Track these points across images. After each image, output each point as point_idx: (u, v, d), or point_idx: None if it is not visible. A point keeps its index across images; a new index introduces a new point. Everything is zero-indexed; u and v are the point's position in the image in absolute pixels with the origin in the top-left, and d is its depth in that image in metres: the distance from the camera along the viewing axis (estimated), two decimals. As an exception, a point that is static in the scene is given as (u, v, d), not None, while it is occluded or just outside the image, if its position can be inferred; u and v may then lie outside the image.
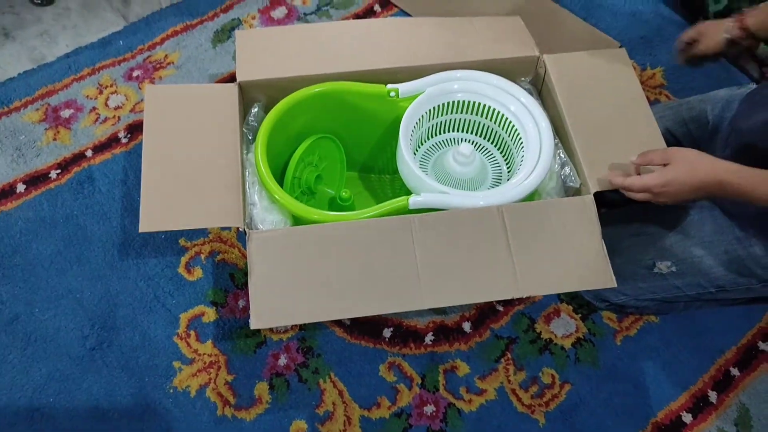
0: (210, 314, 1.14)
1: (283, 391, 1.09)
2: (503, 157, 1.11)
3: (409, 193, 0.94)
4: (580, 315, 1.18)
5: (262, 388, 1.09)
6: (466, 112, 1.09)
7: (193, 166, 0.94)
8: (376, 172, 1.26)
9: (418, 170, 0.94)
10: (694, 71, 1.48)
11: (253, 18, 1.53)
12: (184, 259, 1.20)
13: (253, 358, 1.11)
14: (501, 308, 1.18)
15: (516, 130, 1.02)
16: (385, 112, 1.06)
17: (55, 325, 1.13)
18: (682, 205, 0.99)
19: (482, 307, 1.18)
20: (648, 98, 1.41)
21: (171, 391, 1.08)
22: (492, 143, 1.13)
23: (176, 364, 1.10)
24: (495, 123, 1.07)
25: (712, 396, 1.13)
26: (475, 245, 0.90)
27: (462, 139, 1.13)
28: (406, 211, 0.91)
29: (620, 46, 1.35)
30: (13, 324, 1.12)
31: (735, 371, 1.14)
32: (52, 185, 1.26)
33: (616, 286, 0.87)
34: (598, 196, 0.91)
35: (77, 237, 1.20)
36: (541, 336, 1.16)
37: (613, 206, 1.10)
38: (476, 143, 1.13)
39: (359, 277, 0.88)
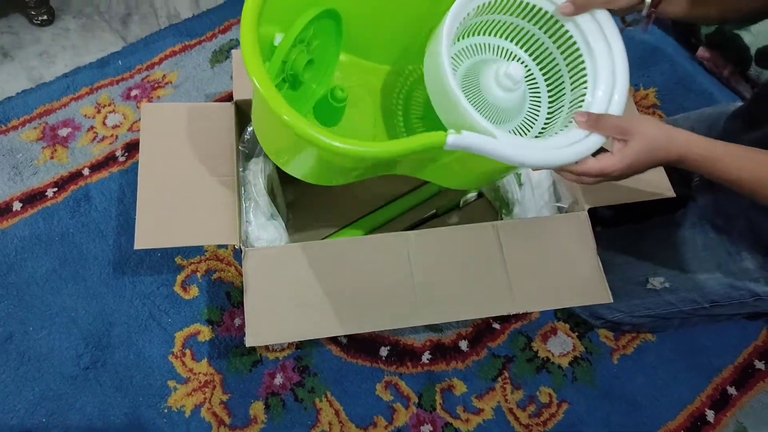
0: (205, 333, 1.14)
1: (279, 410, 1.08)
2: (549, 89, 0.86)
3: (422, 97, 0.77)
4: (577, 333, 1.17)
5: (257, 408, 1.08)
6: (519, 15, 0.82)
7: (189, 184, 0.94)
8: (384, 62, 0.96)
9: (464, 100, 0.70)
10: (688, 92, 1.50)
11: (251, 39, 1.54)
12: (180, 278, 1.19)
13: (248, 377, 1.11)
14: (498, 326, 1.18)
15: (580, 57, 0.79)
16: None
17: (49, 344, 1.12)
18: (673, 222, 0.99)
19: (479, 325, 1.18)
20: (642, 118, 1.43)
21: (165, 411, 1.07)
22: (540, 66, 0.86)
23: (171, 383, 1.09)
24: (552, 40, 0.82)
25: (710, 415, 1.12)
26: (471, 261, 0.91)
27: (507, 52, 0.87)
28: (439, 149, 0.70)
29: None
30: (7, 343, 1.11)
31: (732, 390, 1.14)
32: (48, 203, 1.26)
33: (612, 301, 0.87)
34: (592, 214, 0.92)
35: (73, 255, 1.20)
36: (539, 354, 1.15)
37: (605, 224, 1.11)
38: (522, 61, 0.87)
39: (355, 294, 0.88)
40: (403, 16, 0.85)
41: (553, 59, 0.83)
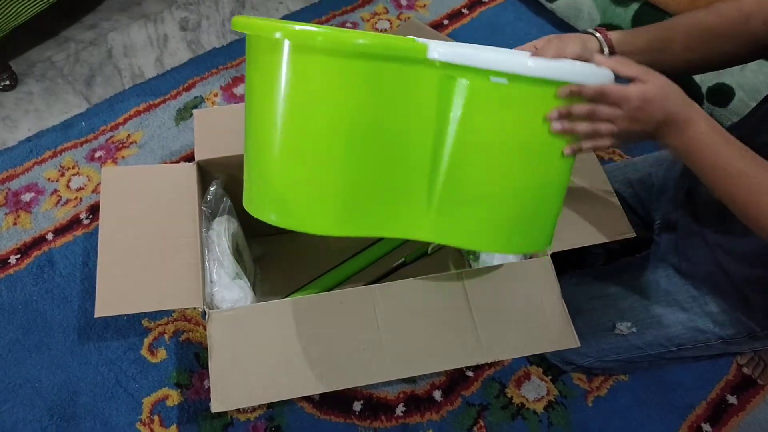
0: (174, 397, 1.11)
1: (252, 474, 1.06)
2: None
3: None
4: (550, 377, 1.17)
5: (229, 472, 1.06)
6: None
7: (151, 247, 0.94)
8: None
9: None
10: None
11: (216, 95, 1.56)
12: (147, 341, 1.17)
13: (219, 441, 1.08)
14: (471, 374, 1.17)
15: None
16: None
17: (13, 417, 1.08)
18: (638, 266, 1.00)
19: (452, 373, 1.17)
20: (602, 158, 1.46)
21: (134, 481, 1.04)
22: None
23: (139, 451, 1.07)
24: None
25: (687, 453, 1.12)
26: (438, 312, 0.90)
27: None
28: (422, 58, 0.65)
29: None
30: (-32, 418, 1.08)
31: (707, 427, 1.13)
32: (11, 271, 1.24)
33: (579, 346, 0.87)
34: (559, 258, 0.93)
35: (36, 323, 1.18)
36: (513, 401, 1.14)
37: (574, 267, 1.11)
38: None
39: (322, 352, 0.87)
40: None
41: None
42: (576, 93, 0.66)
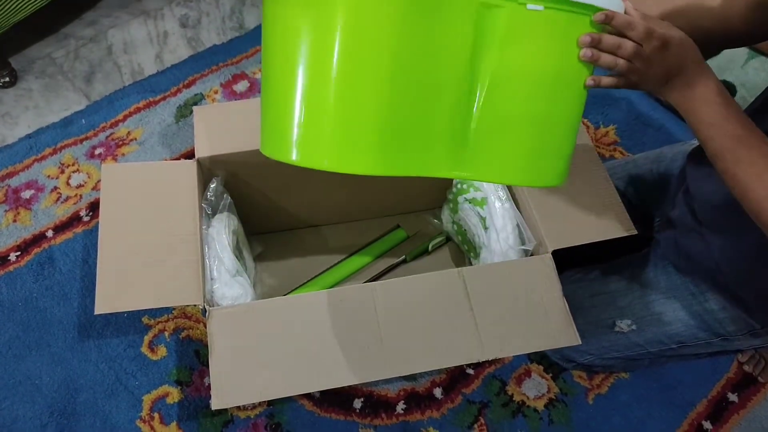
0: (174, 394, 1.11)
1: (252, 471, 1.06)
2: None
3: None
4: (551, 374, 1.17)
5: (229, 470, 1.05)
6: None
7: (151, 244, 0.93)
8: None
9: None
10: (647, 127, 1.53)
11: (216, 92, 1.55)
12: (147, 338, 1.17)
13: (220, 438, 1.08)
14: (471, 371, 1.17)
15: None
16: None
17: (13, 414, 1.08)
18: (638, 263, 1.00)
19: (453, 371, 1.17)
20: (603, 155, 1.46)
21: (134, 478, 1.04)
22: None
23: (140, 449, 1.06)
24: None
25: (688, 451, 1.12)
26: (438, 309, 0.90)
27: None
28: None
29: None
30: (-32, 415, 1.08)
31: (708, 424, 1.13)
32: (11, 268, 1.24)
33: (580, 343, 0.87)
34: (560, 255, 0.92)
35: (36, 320, 1.17)
36: (514, 399, 1.14)
37: (575, 264, 1.11)
38: None
39: (323, 349, 0.86)
40: None
41: None
42: (610, 18, 0.67)
